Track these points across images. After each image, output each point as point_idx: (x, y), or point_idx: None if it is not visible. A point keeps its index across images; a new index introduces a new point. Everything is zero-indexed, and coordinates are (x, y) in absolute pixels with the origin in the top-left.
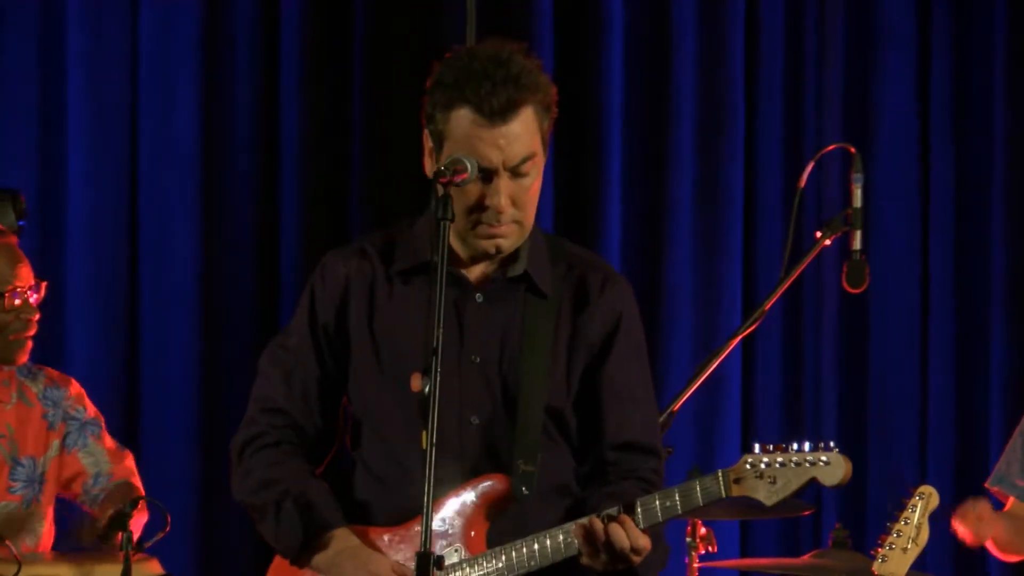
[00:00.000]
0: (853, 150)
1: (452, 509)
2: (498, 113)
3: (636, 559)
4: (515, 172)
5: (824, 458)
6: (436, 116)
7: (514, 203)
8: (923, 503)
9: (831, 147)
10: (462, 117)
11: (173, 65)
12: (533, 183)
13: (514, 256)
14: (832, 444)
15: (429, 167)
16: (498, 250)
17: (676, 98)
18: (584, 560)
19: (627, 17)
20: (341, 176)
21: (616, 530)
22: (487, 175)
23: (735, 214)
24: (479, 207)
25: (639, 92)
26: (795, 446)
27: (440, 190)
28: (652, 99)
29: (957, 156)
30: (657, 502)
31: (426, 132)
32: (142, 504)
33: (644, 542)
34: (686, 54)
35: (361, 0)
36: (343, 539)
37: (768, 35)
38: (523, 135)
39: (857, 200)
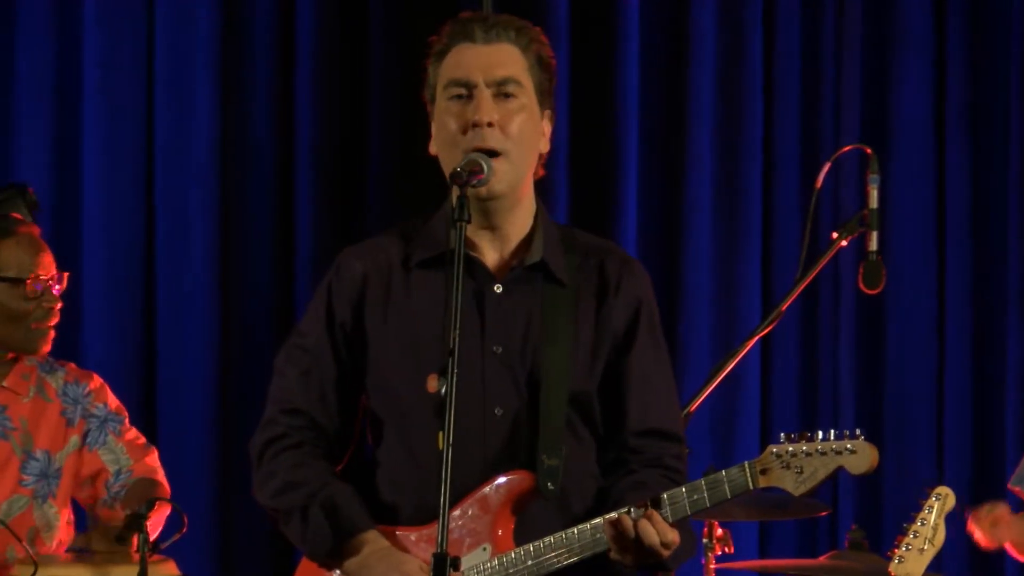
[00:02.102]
0: (869, 151)
1: (478, 506)
2: (481, 36)
3: (666, 553)
4: (499, 92)
5: (850, 446)
6: (430, 75)
7: (501, 128)
8: (939, 504)
9: (847, 148)
10: (451, 55)
11: (189, 65)
12: (522, 117)
13: (528, 243)
14: (858, 431)
15: (432, 145)
16: (489, 193)
17: (694, 99)
18: (613, 555)
19: (644, 18)
20: (358, 176)
21: (645, 527)
22: (470, 91)
23: (753, 215)
24: (463, 132)
25: (657, 93)
26: (820, 434)
27: (457, 192)
28: (670, 100)
29: (973, 157)
30: (685, 496)
31: (430, 114)
32: (164, 504)
33: (673, 536)
34: (704, 54)
35: (377, 5)
36: (373, 542)
37: (785, 36)
38: (507, 61)
39: (873, 201)
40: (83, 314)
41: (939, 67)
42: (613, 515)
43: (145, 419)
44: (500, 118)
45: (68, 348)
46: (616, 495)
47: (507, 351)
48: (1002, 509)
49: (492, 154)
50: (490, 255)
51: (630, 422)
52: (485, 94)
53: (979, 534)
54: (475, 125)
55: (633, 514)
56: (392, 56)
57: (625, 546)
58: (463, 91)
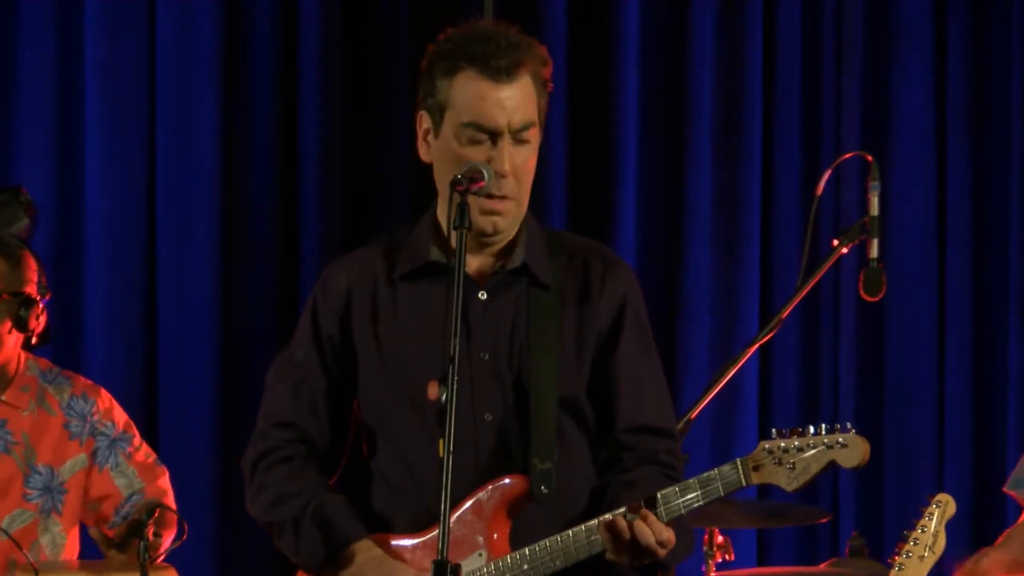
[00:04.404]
0: (870, 158)
1: (472, 512)
2: (504, 72)
3: (662, 552)
4: (516, 138)
5: (841, 440)
6: (436, 86)
7: (515, 175)
8: (940, 511)
9: (848, 155)
10: (466, 79)
11: (191, 67)
12: (530, 158)
13: (511, 248)
14: (849, 425)
15: (424, 151)
16: (495, 229)
17: (693, 104)
18: (610, 556)
19: (643, 22)
20: (362, 181)
21: (640, 527)
22: (492, 138)
23: (752, 221)
24: None
25: (656, 97)
26: (811, 429)
27: (457, 198)
28: (669, 105)
29: (974, 163)
30: (678, 495)
31: (421, 115)
32: (171, 519)
33: (668, 535)
34: (703, 60)
35: (381, 6)
36: (366, 551)
37: (786, 41)
38: (526, 101)
39: (874, 208)
40: (84, 319)
41: (940, 71)
42: (608, 516)
43: (147, 426)
44: (517, 163)
45: (70, 353)
46: (612, 494)
47: (494, 357)
48: (986, 561)
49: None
50: (473, 262)
51: (621, 419)
52: (507, 142)
53: None
54: (499, 173)
55: (628, 516)
56: (398, 57)
57: (621, 547)
58: (484, 137)
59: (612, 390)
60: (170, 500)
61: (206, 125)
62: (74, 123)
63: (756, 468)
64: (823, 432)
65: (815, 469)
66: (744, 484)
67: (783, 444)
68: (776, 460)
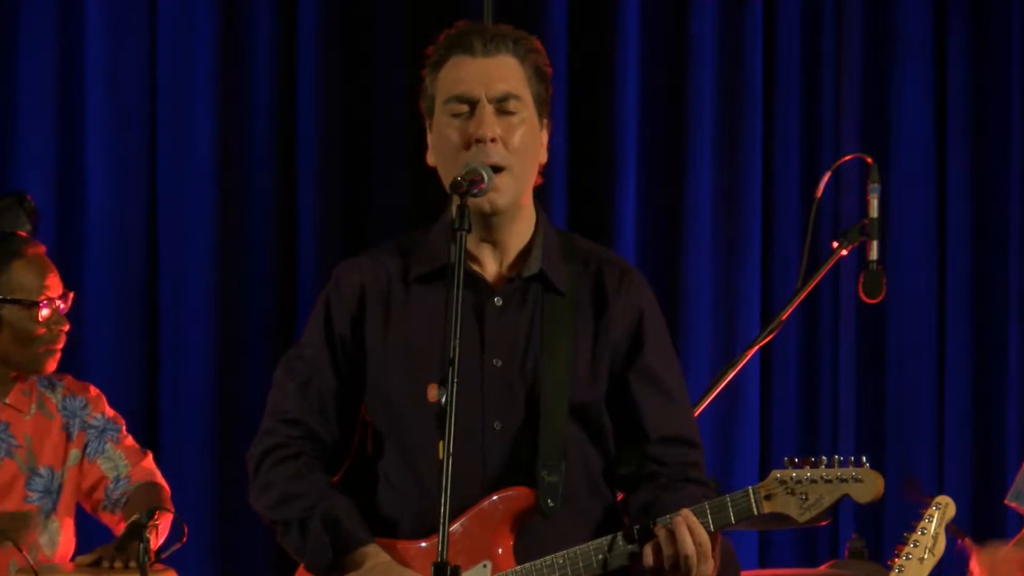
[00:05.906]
0: (870, 160)
1: (477, 522)
2: (480, 49)
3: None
4: (500, 108)
5: (855, 474)
6: (427, 84)
7: (504, 144)
8: (939, 513)
9: (848, 157)
10: (449, 66)
11: (191, 69)
12: (523, 130)
13: (527, 253)
14: (864, 459)
15: (429, 156)
16: (492, 208)
17: (693, 107)
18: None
19: (644, 23)
20: (361, 183)
21: (682, 532)
22: (472, 107)
23: (753, 224)
24: (466, 148)
25: (656, 100)
26: (825, 460)
27: (457, 201)
28: (670, 108)
29: (974, 166)
30: None
31: (427, 124)
32: (166, 502)
33: (695, 543)
34: (704, 61)
35: (380, 6)
36: (374, 556)
37: (786, 44)
38: (507, 75)
39: (874, 210)
40: (85, 320)
41: (940, 74)
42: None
43: (147, 425)
44: (502, 133)
45: (70, 352)
46: (659, 508)
47: (507, 364)
48: (1002, 552)
49: (496, 169)
50: (490, 268)
51: (650, 430)
52: (487, 110)
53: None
54: (478, 141)
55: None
56: (395, 60)
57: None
58: (464, 108)
59: (637, 400)
60: (159, 478)
61: (206, 125)
62: (75, 125)
63: (768, 497)
64: (837, 464)
65: (827, 502)
66: (756, 513)
67: (796, 475)
68: (788, 490)
